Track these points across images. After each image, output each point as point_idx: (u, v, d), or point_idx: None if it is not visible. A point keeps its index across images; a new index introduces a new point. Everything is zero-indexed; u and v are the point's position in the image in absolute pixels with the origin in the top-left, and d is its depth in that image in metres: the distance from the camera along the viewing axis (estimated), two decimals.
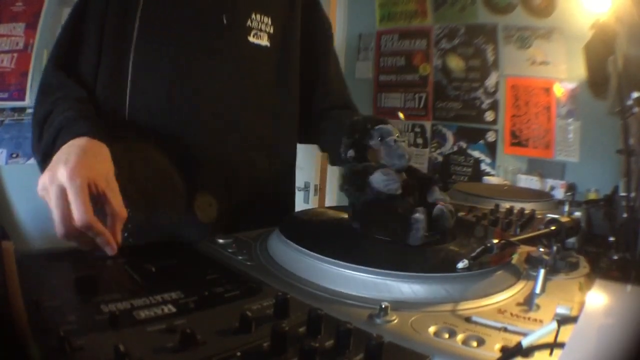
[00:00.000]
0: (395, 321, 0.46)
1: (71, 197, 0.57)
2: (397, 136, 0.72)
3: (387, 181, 0.65)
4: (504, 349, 0.40)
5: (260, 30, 0.91)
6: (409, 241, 0.63)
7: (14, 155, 2.29)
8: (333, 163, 1.01)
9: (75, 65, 0.83)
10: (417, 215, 0.63)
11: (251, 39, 0.89)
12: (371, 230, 0.68)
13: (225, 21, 0.86)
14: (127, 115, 0.82)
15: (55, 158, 0.63)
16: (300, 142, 1.12)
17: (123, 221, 0.63)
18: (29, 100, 2.27)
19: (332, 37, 1.10)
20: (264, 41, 0.91)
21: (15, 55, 2.26)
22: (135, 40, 0.81)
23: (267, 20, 0.92)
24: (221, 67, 0.87)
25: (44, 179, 0.59)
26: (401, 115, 2.58)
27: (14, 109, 2.29)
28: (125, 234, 0.78)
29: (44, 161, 0.69)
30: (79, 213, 0.56)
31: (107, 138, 0.70)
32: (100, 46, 0.83)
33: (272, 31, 0.92)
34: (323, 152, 1.08)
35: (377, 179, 0.65)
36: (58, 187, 0.58)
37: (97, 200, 0.61)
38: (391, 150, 0.69)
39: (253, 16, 0.90)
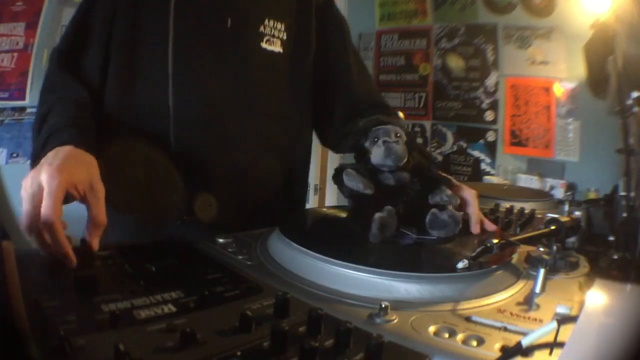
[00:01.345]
0: (395, 321, 0.46)
1: (45, 194, 0.58)
2: (398, 136, 0.72)
3: (351, 182, 0.70)
4: (504, 349, 0.40)
5: (273, 36, 0.90)
6: (369, 238, 0.65)
7: (14, 155, 2.29)
8: None
9: (79, 62, 0.83)
10: (376, 214, 0.65)
11: (264, 45, 0.89)
12: (350, 223, 0.72)
13: (229, 25, 0.86)
14: (173, 121, 0.82)
15: (41, 161, 0.63)
16: (337, 152, 1.14)
17: (102, 228, 0.62)
18: (29, 100, 2.27)
19: (349, 36, 1.06)
20: (277, 47, 0.90)
21: (16, 54, 2.26)
22: (172, 46, 0.81)
23: (281, 26, 0.91)
24: (232, 72, 0.87)
25: (27, 179, 0.60)
26: (401, 114, 2.58)
27: (14, 109, 2.29)
28: (179, 223, 0.80)
29: (33, 162, 0.70)
30: (45, 209, 0.57)
31: (94, 147, 0.70)
32: (106, 46, 0.82)
33: (285, 37, 0.92)
34: None
35: (344, 179, 0.71)
36: (37, 184, 0.59)
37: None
38: (379, 151, 0.71)
39: (266, 22, 0.89)
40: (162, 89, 0.81)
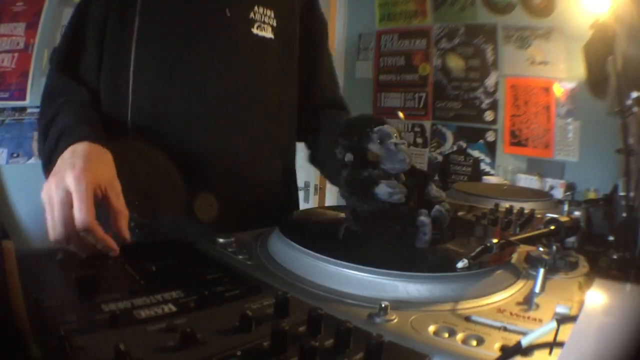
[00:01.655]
0: (395, 320, 0.46)
1: (75, 200, 0.58)
2: (396, 137, 0.72)
3: (393, 193, 0.65)
4: (503, 348, 0.40)
5: (264, 22, 0.90)
6: (417, 244, 0.64)
7: (15, 155, 2.29)
8: (310, 161, 1.04)
9: (77, 68, 0.83)
10: (422, 218, 0.64)
11: (255, 30, 0.88)
12: (376, 236, 0.68)
13: (228, 14, 0.86)
14: (130, 114, 0.82)
15: (59, 162, 0.63)
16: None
17: (126, 218, 0.64)
18: (29, 100, 2.27)
19: (327, 36, 1.09)
20: (268, 33, 0.90)
21: (16, 55, 2.26)
22: (136, 37, 0.81)
23: (270, 13, 0.91)
24: (225, 61, 0.86)
25: (50, 184, 0.60)
26: (401, 114, 2.58)
27: (14, 109, 2.28)
28: (132, 224, 0.78)
29: (47, 164, 0.70)
30: (81, 215, 0.57)
31: (108, 142, 0.70)
32: (101, 48, 0.83)
33: (275, 24, 0.92)
34: (312, 163, 1.07)
35: (383, 191, 0.65)
36: (63, 191, 0.58)
37: (100, 204, 0.62)
38: (392, 154, 0.68)
39: (256, 8, 0.89)
40: (124, 88, 0.81)
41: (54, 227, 0.58)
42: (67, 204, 0.58)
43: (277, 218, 0.73)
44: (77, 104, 0.78)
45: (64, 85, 0.81)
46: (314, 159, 1.04)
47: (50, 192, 0.59)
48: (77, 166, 0.61)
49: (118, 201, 0.63)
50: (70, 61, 0.83)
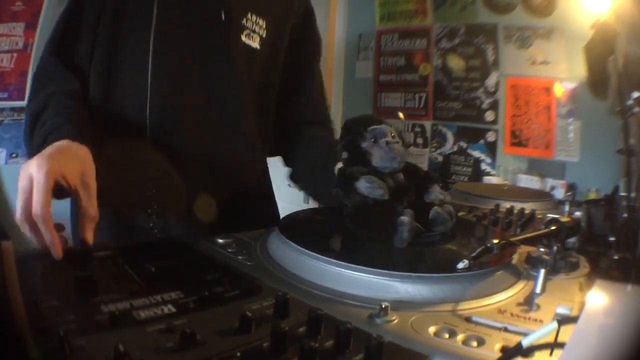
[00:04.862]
0: (395, 321, 0.45)
1: (34, 186, 0.58)
2: (393, 136, 0.72)
3: (371, 188, 0.66)
4: (504, 349, 0.40)
5: (254, 31, 0.89)
6: (395, 243, 0.64)
7: (14, 155, 2.29)
8: (292, 178, 1.02)
9: (71, 53, 0.82)
10: (402, 218, 0.63)
11: (244, 38, 0.88)
12: (362, 232, 0.68)
13: (223, 17, 0.86)
14: (114, 107, 0.82)
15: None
16: (270, 155, 1.10)
17: (93, 221, 0.63)
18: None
19: (320, 54, 1.08)
20: (255, 43, 0.90)
21: (15, 55, 2.26)
22: (125, 30, 0.81)
23: (262, 23, 0.91)
24: (209, 62, 0.86)
25: (20, 173, 0.61)
26: (401, 115, 2.58)
27: (13, 109, 2.29)
28: (151, 225, 0.79)
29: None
30: (35, 203, 0.57)
31: (91, 140, 0.70)
32: (95, 37, 0.82)
33: (264, 35, 0.91)
34: (286, 167, 1.05)
35: (362, 186, 0.67)
36: (27, 177, 0.59)
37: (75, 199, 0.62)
38: (383, 152, 0.69)
39: (249, 16, 0.89)
40: (142, 83, 0.81)
41: (17, 212, 0.58)
42: (29, 192, 0.58)
43: (255, 223, 0.74)
44: (66, 96, 0.77)
45: (56, 71, 0.81)
46: (293, 177, 1.02)
47: (19, 180, 0.60)
48: (42, 155, 0.61)
49: (89, 202, 0.62)
50: (65, 46, 0.83)
